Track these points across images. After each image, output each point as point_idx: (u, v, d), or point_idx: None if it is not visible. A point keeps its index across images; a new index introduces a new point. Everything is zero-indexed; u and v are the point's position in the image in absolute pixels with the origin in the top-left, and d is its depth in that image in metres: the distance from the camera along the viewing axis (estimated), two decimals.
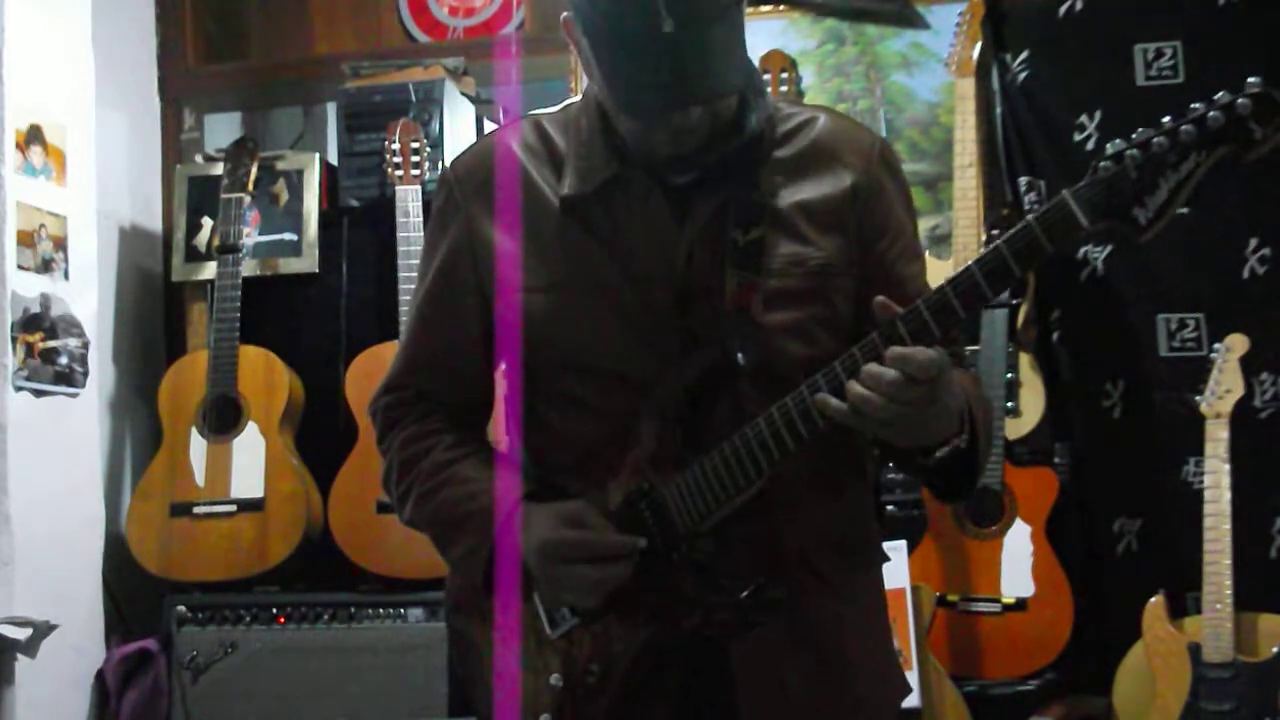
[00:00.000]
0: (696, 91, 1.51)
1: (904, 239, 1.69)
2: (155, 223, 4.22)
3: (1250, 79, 1.35)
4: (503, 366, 1.75)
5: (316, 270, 3.86)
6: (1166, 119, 1.38)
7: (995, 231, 3.28)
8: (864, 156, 1.66)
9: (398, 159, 3.63)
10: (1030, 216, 1.40)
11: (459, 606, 1.76)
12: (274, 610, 3.50)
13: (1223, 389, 3.11)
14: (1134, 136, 1.38)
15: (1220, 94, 1.36)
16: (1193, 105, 1.37)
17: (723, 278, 1.58)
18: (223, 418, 3.67)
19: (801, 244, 1.61)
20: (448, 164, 1.76)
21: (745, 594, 1.56)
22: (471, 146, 1.80)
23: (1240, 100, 1.35)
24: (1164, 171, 1.37)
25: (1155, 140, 1.37)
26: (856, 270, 1.63)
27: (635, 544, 1.56)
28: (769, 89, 3.34)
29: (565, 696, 1.62)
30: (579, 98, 1.72)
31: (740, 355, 1.55)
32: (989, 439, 1.64)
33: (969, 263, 1.43)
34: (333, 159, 4.01)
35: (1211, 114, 1.35)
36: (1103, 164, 1.38)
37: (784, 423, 1.50)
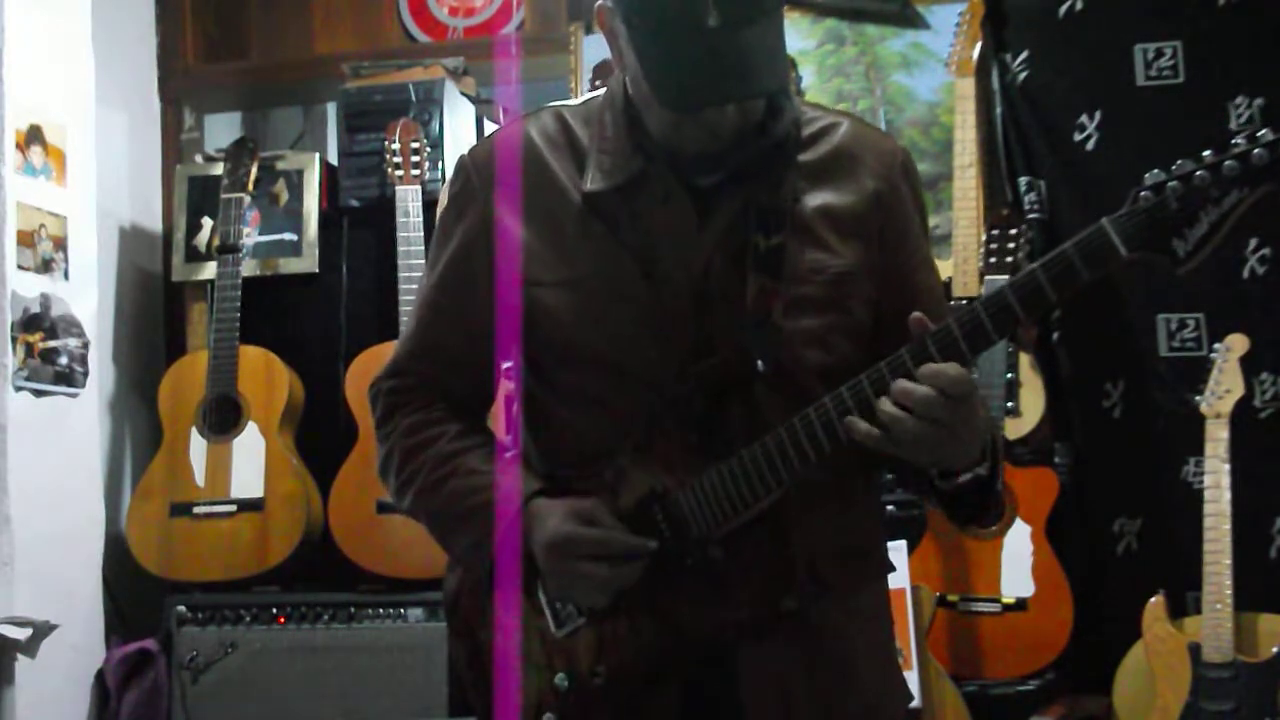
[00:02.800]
0: (736, 89, 1.49)
1: (923, 249, 1.69)
2: (155, 223, 4.23)
3: (1255, 100, 1.34)
4: (508, 363, 1.74)
5: (316, 270, 3.86)
6: (1208, 152, 1.36)
7: (995, 232, 3.28)
8: (887, 164, 1.65)
9: (398, 159, 3.63)
10: (1068, 244, 1.39)
11: (459, 602, 1.74)
12: (274, 610, 3.49)
13: (1223, 389, 3.11)
14: (1174, 167, 1.36)
15: (1264, 131, 1.35)
16: (1234, 140, 1.35)
17: (744, 282, 1.57)
18: (223, 418, 3.67)
19: (823, 251, 1.60)
20: (466, 152, 1.74)
21: (758, 604, 1.55)
22: (491, 135, 1.78)
23: None
24: (1205, 205, 1.35)
25: (1197, 174, 1.35)
26: (876, 278, 1.62)
27: (647, 546, 1.55)
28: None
29: (570, 697, 1.61)
30: (602, 91, 1.70)
31: (759, 361, 1.54)
32: (1001, 460, 1.63)
33: (1003, 285, 1.42)
34: (333, 159, 4.01)
35: (1257, 151, 1.34)
36: (1143, 194, 1.37)
37: (806, 434, 1.49)
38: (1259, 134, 1.35)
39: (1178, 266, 1.38)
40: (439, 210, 1.76)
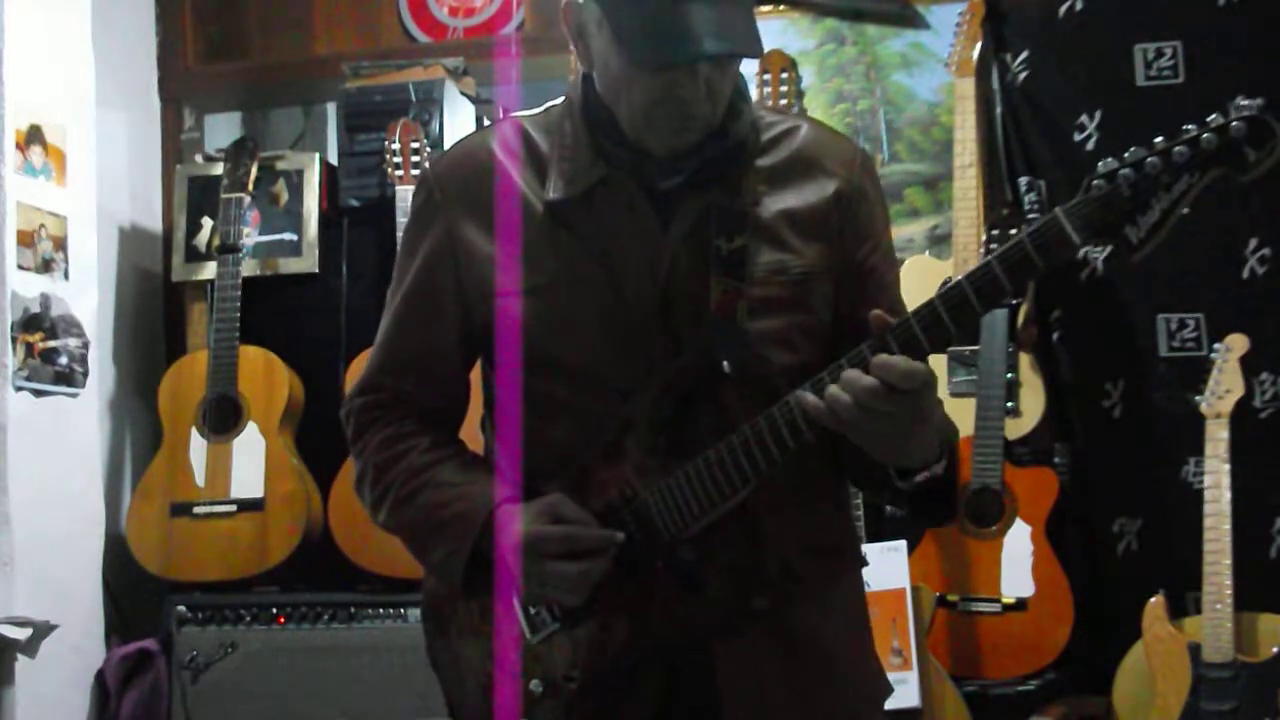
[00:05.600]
0: (714, 45, 1.48)
1: (885, 245, 1.70)
2: (155, 223, 4.23)
3: (1244, 101, 1.35)
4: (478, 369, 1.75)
5: (316, 270, 3.87)
6: (1159, 139, 1.37)
7: (995, 232, 3.28)
8: (846, 165, 1.67)
9: (398, 159, 3.63)
10: (1023, 233, 1.40)
11: (435, 610, 1.77)
12: (274, 610, 3.50)
13: (1223, 389, 3.11)
14: (1126, 155, 1.38)
15: (1214, 116, 1.36)
16: (1185, 126, 1.37)
17: (707, 285, 1.58)
18: (223, 418, 3.67)
19: (784, 252, 1.62)
20: (427, 164, 1.75)
21: (732, 603, 1.56)
22: (452, 147, 1.80)
23: (1234, 123, 1.34)
24: (1156, 191, 1.37)
25: (1148, 160, 1.37)
26: (838, 277, 1.64)
27: (614, 537, 1.56)
28: (769, 89, 3.37)
29: (545, 702, 1.62)
30: (560, 100, 1.71)
31: (725, 363, 1.55)
32: (957, 460, 1.64)
33: (959, 277, 1.43)
34: (333, 159, 4.01)
35: (1205, 136, 1.35)
36: (1095, 182, 1.39)
37: (770, 431, 1.50)
38: (1208, 119, 1.36)
39: (1131, 253, 1.39)
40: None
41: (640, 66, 1.52)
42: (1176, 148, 1.36)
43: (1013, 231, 3.25)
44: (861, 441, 1.47)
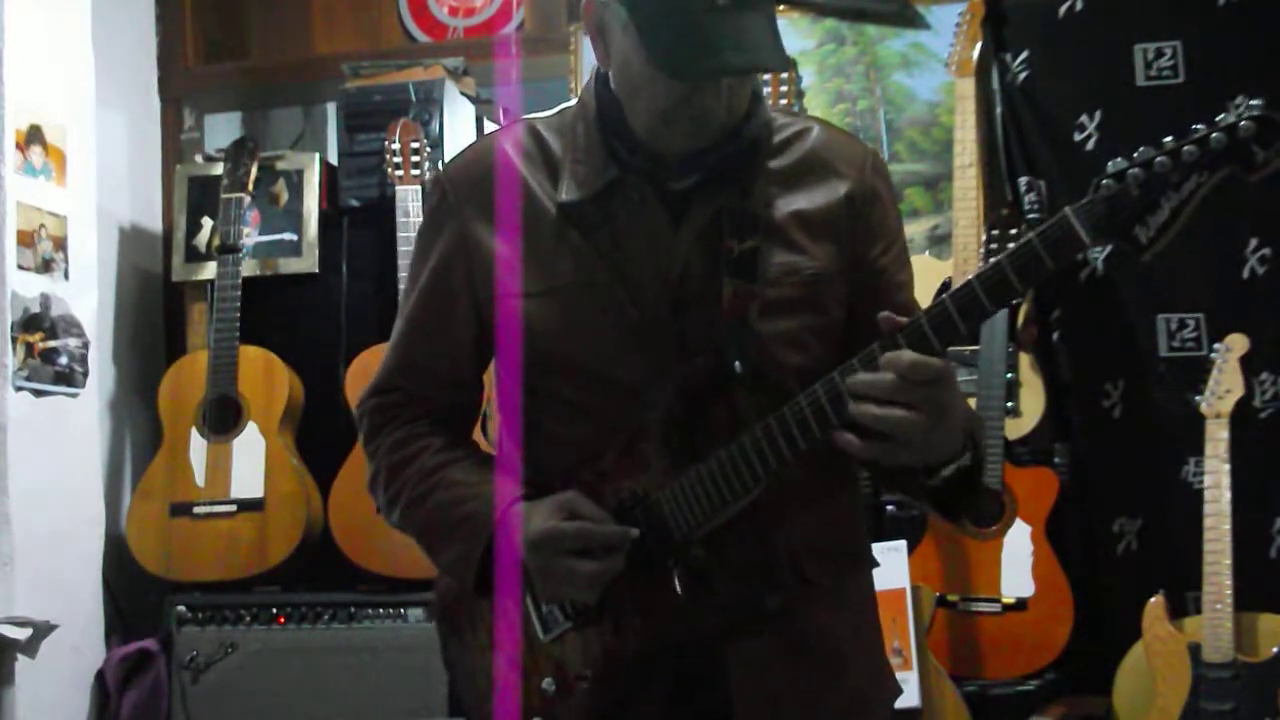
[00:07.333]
0: (744, 60, 1.50)
1: (897, 246, 1.70)
2: (155, 223, 4.23)
3: (1252, 101, 1.36)
4: (493, 371, 1.75)
5: (316, 270, 3.87)
6: (1168, 139, 1.38)
7: (995, 232, 3.28)
8: (858, 166, 1.67)
9: (398, 159, 3.63)
10: (1032, 233, 1.41)
11: (449, 610, 1.76)
12: (274, 610, 3.50)
13: (1223, 389, 3.11)
14: (1135, 155, 1.38)
15: (1222, 115, 1.36)
16: (1194, 125, 1.37)
17: (719, 287, 1.58)
18: (223, 418, 3.67)
19: (796, 253, 1.62)
20: (441, 167, 1.76)
21: (743, 603, 1.56)
22: (465, 150, 1.80)
23: (1243, 123, 1.35)
24: (1165, 191, 1.37)
25: (1158, 160, 1.37)
26: (849, 277, 1.64)
27: (628, 534, 1.56)
28: (768, 89, 3.37)
29: (557, 701, 1.62)
30: (574, 102, 1.72)
31: (738, 363, 1.55)
32: (984, 451, 1.64)
33: (970, 277, 1.43)
34: (333, 159, 4.01)
35: (1214, 135, 1.35)
36: (1105, 181, 1.39)
37: (782, 432, 1.50)
38: (1217, 118, 1.37)
39: (1140, 254, 1.40)
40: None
41: (668, 74, 1.52)
42: (1186, 147, 1.36)
43: (1013, 231, 3.26)
44: (899, 455, 1.46)
